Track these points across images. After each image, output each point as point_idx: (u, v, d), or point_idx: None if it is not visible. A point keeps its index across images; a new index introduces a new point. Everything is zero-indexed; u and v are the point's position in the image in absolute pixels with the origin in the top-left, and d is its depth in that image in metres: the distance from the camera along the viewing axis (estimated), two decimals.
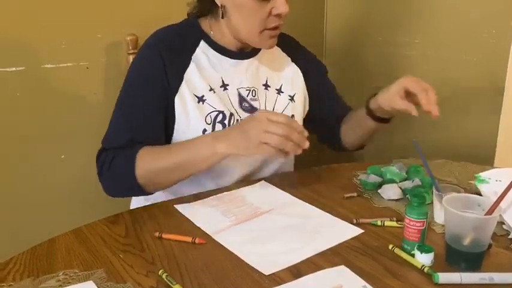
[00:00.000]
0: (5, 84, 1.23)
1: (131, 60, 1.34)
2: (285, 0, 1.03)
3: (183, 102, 1.06)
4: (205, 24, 1.13)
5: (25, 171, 1.31)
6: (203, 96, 1.07)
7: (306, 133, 0.95)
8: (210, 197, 1.01)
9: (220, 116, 1.07)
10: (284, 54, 1.23)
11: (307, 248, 0.81)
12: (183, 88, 1.06)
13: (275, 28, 1.06)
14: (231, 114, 1.08)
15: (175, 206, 0.97)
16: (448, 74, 1.52)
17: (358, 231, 0.86)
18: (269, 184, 1.07)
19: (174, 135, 1.07)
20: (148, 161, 0.99)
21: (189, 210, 0.95)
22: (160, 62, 1.05)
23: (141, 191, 1.02)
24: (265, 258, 0.78)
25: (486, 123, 1.45)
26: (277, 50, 1.21)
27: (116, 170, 1.01)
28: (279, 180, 1.10)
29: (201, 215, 0.93)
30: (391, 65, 1.69)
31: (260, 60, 1.16)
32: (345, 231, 0.87)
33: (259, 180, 1.10)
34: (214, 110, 1.07)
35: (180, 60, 1.08)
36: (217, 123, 1.06)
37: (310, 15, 1.87)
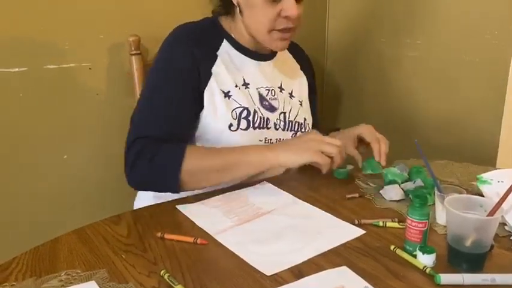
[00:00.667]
0: (8, 85, 1.24)
1: (134, 60, 1.35)
2: (295, 3, 1.03)
3: (212, 96, 1.08)
4: (226, 23, 1.15)
5: (27, 171, 1.31)
6: (229, 92, 1.09)
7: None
8: (212, 198, 1.01)
9: (245, 112, 1.09)
10: (294, 61, 1.27)
11: (308, 248, 0.81)
12: (212, 82, 1.08)
13: (285, 30, 1.07)
14: (255, 111, 1.11)
15: (177, 206, 0.97)
16: (450, 75, 1.52)
17: (359, 232, 0.86)
18: (271, 185, 1.07)
19: (198, 128, 1.08)
20: (197, 157, 0.99)
21: (191, 211, 0.95)
22: (191, 56, 1.07)
23: (176, 188, 1.00)
24: (267, 259, 0.78)
25: (488, 124, 1.45)
26: (289, 57, 1.26)
27: (159, 161, 0.98)
28: (280, 180, 1.10)
29: (203, 215, 0.94)
30: (393, 66, 1.69)
31: (275, 64, 1.19)
32: (347, 232, 0.87)
33: (260, 181, 1.10)
34: (240, 106, 1.09)
35: (207, 55, 1.10)
36: (242, 119, 1.08)
37: (312, 16, 1.87)
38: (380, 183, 1.07)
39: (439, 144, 1.56)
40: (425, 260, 0.75)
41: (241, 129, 1.08)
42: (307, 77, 1.28)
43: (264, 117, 1.12)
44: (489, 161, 1.42)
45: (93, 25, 1.33)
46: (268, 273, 0.74)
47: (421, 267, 0.74)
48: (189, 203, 0.99)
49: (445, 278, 0.71)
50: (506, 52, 1.37)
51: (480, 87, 1.46)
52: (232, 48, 1.13)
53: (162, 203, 1.03)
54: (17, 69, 1.24)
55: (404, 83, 1.67)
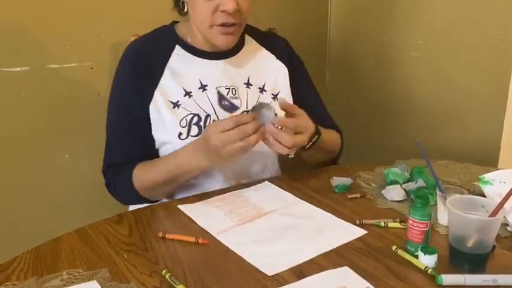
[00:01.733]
0: (10, 84, 1.24)
1: None
2: None
3: (157, 109, 1.08)
4: (183, 28, 1.15)
5: (29, 171, 1.31)
6: (178, 101, 1.08)
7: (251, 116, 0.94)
8: (213, 198, 1.01)
9: (196, 118, 1.08)
10: (268, 52, 1.22)
11: (310, 248, 0.81)
12: (157, 96, 1.08)
13: (225, 25, 1.04)
14: (207, 116, 1.08)
15: (178, 206, 0.97)
16: (452, 75, 1.52)
17: (361, 232, 0.86)
18: (272, 185, 1.07)
19: (156, 143, 1.10)
20: (141, 179, 1.05)
21: (192, 211, 0.95)
22: (134, 77, 1.08)
23: (148, 201, 1.09)
24: (269, 259, 0.78)
25: (490, 124, 1.44)
26: (259, 48, 1.20)
27: (119, 189, 1.09)
28: (281, 180, 1.10)
29: (204, 215, 0.94)
30: (395, 66, 1.69)
31: (241, 59, 1.16)
32: (348, 232, 0.86)
33: (261, 181, 1.10)
34: (190, 113, 1.08)
35: (153, 70, 1.10)
36: (192, 125, 1.07)
37: (313, 16, 1.87)
38: (381, 183, 1.07)
39: (441, 144, 1.55)
40: (427, 260, 0.75)
41: (191, 136, 1.06)
42: (286, 65, 1.22)
43: (219, 120, 1.09)
44: (491, 162, 1.42)
45: (95, 25, 1.33)
46: (270, 274, 0.74)
47: (423, 268, 0.74)
48: (191, 202, 0.99)
49: (447, 278, 0.70)
50: (508, 52, 1.37)
51: (482, 87, 1.45)
52: (186, 52, 1.12)
53: (163, 202, 1.03)
54: (19, 69, 1.25)
55: (405, 83, 1.67)
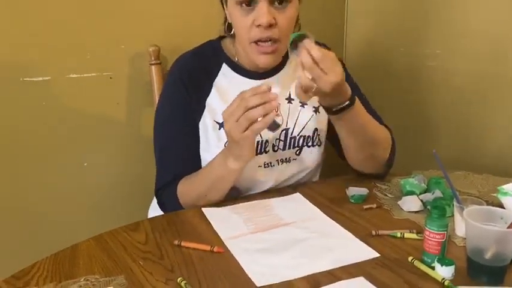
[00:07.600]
0: (32, 93, 1.27)
1: (154, 70, 1.37)
2: (267, 11, 0.97)
3: (205, 128, 1.08)
4: (228, 45, 1.14)
5: (48, 178, 1.34)
6: (223, 122, 1.04)
7: (265, 87, 0.91)
8: (239, 204, 1.02)
9: None
10: None
11: (311, 265, 0.79)
12: (205, 114, 1.09)
13: (263, 42, 1.02)
14: None
15: (202, 209, 0.99)
16: (471, 86, 1.51)
17: (373, 254, 0.82)
18: (302, 197, 1.06)
19: (202, 160, 1.10)
20: (184, 195, 1.05)
21: (213, 214, 0.97)
22: (185, 95, 1.08)
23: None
24: (263, 269, 0.77)
25: (509, 135, 1.42)
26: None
27: (169, 210, 1.07)
28: (299, 189, 1.09)
29: (223, 220, 0.95)
30: (412, 76, 1.68)
31: (284, 76, 1.15)
32: (359, 252, 0.83)
33: (294, 192, 1.09)
34: None
35: (201, 88, 1.10)
36: None
37: (330, 27, 1.88)
38: (398, 194, 1.06)
39: (459, 155, 1.53)
40: (444, 272, 0.74)
41: None
42: None
43: (262, 141, 1.08)
44: (510, 173, 1.40)
45: (115, 36, 1.35)
46: (258, 284, 0.74)
47: (440, 279, 0.73)
48: (216, 207, 1.01)
49: None
50: None
51: (501, 97, 1.43)
52: (232, 71, 1.12)
53: (180, 211, 1.04)
54: (41, 78, 1.28)
55: (423, 93, 1.66)
